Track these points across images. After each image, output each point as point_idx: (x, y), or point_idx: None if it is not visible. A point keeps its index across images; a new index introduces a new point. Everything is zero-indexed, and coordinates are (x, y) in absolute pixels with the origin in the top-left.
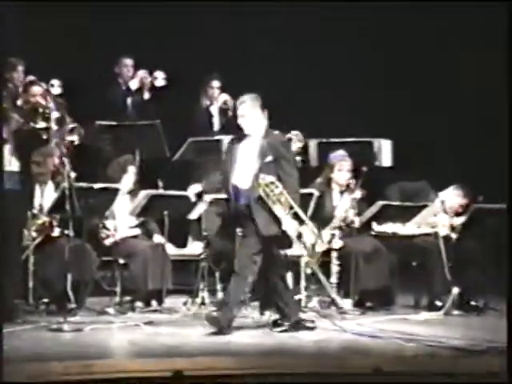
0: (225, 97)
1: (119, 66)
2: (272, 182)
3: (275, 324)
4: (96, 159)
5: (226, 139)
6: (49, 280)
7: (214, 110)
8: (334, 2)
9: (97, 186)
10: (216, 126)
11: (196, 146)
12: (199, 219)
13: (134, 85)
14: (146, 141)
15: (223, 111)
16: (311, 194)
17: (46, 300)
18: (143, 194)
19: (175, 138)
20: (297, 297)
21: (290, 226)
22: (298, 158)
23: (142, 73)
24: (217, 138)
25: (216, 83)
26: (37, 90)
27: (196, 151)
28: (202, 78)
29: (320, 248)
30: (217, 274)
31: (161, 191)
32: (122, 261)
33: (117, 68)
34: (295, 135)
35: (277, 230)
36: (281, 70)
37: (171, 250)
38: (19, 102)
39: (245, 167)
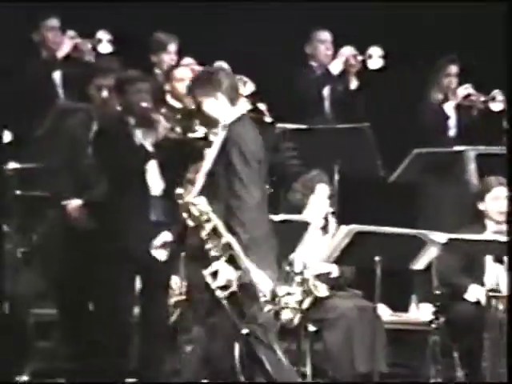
0: (467, 89)
1: (312, 42)
2: (202, 213)
3: None
4: (276, 178)
5: (469, 151)
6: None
7: (450, 107)
8: None
9: (276, 217)
10: (452, 131)
11: (424, 160)
12: (428, 270)
13: (335, 68)
14: (348, 152)
15: (464, 110)
16: None
17: (205, 381)
18: (345, 230)
19: (391, 149)
20: None
21: (223, 272)
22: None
23: (348, 50)
24: (456, 148)
25: (454, 69)
26: (182, 74)
27: (424, 168)
28: (436, 61)
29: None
30: (455, 354)
31: (372, 227)
32: (312, 328)
33: (308, 46)
34: None
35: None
36: None
37: (386, 314)
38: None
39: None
